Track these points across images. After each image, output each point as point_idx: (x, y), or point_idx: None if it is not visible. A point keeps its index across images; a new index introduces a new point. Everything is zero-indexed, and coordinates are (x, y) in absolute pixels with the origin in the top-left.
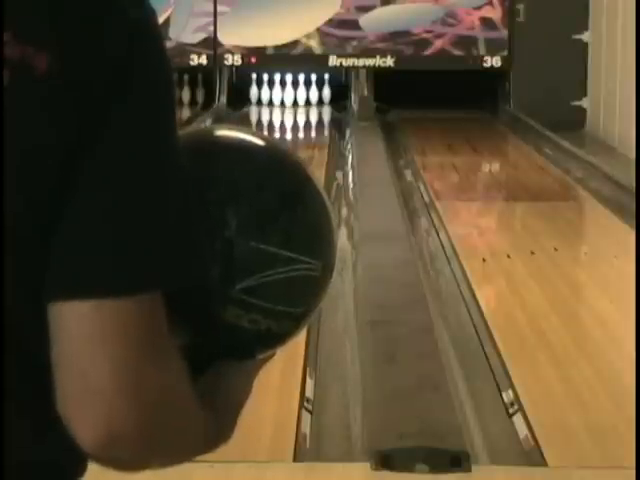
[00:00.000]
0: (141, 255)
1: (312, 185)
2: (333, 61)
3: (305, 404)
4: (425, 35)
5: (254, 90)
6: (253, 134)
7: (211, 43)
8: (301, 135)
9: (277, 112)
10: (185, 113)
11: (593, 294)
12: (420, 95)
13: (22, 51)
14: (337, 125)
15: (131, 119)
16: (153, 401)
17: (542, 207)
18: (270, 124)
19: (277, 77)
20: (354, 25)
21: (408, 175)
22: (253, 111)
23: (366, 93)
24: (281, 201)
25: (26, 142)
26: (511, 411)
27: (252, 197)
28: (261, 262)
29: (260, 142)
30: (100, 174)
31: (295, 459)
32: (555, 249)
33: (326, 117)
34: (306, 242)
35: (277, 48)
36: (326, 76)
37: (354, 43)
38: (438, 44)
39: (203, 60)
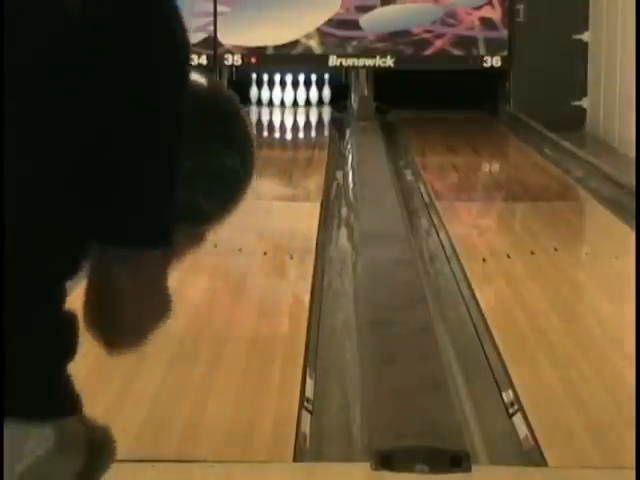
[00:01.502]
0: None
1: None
2: (333, 61)
3: (305, 404)
4: (425, 35)
5: (254, 90)
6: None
7: (211, 43)
8: (301, 135)
9: (277, 112)
10: None
11: (593, 294)
12: (420, 95)
13: None
14: (337, 125)
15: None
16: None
17: (542, 207)
18: (270, 124)
19: (277, 77)
20: (354, 25)
21: (408, 175)
22: (253, 111)
23: (366, 93)
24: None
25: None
26: (511, 411)
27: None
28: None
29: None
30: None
31: (295, 459)
32: (555, 249)
33: (326, 117)
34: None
35: (277, 48)
36: (326, 76)
37: (354, 43)
38: (438, 44)
39: (203, 60)
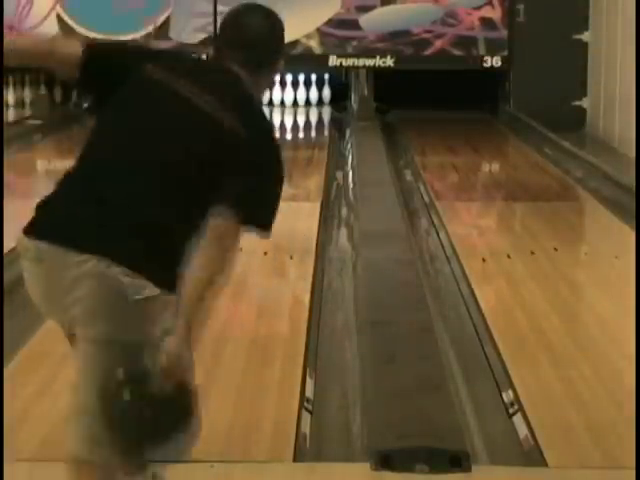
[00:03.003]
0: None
1: None
2: (333, 61)
3: (305, 404)
4: (425, 35)
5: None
6: None
7: (211, 43)
8: (301, 135)
9: (277, 112)
10: None
11: (593, 294)
12: (420, 95)
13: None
14: (337, 125)
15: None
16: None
17: (542, 207)
18: None
19: (277, 77)
20: (354, 25)
21: (408, 175)
22: None
23: (366, 93)
24: None
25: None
26: (511, 411)
27: None
28: None
29: None
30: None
31: (295, 459)
32: (555, 249)
33: (326, 117)
34: None
35: None
36: (326, 76)
37: (354, 43)
38: (438, 44)
39: None
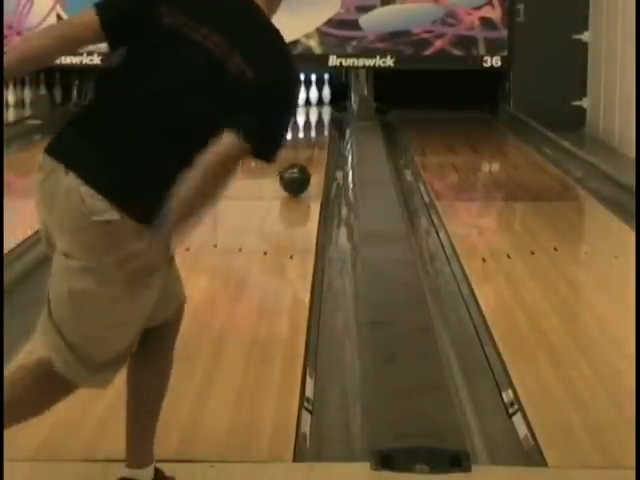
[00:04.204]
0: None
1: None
2: (333, 61)
3: (305, 404)
4: (425, 35)
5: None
6: None
7: None
8: (301, 135)
9: None
10: None
11: (593, 294)
12: (420, 95)
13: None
14: (337, 125)
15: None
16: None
17: (542, 207)
18: None
19: None
20: (354, 25)
21: (408, 175)
22: None
23: (366, 93)
24: None
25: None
26: (511, 411)
27: None
28: None
29: None
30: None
31: (295, 459)
32: (555, 249)
33: (326, 117)
34: None
35: None
36: (326, 76)
37: (354, 43)
38: (438, 44)
39: None
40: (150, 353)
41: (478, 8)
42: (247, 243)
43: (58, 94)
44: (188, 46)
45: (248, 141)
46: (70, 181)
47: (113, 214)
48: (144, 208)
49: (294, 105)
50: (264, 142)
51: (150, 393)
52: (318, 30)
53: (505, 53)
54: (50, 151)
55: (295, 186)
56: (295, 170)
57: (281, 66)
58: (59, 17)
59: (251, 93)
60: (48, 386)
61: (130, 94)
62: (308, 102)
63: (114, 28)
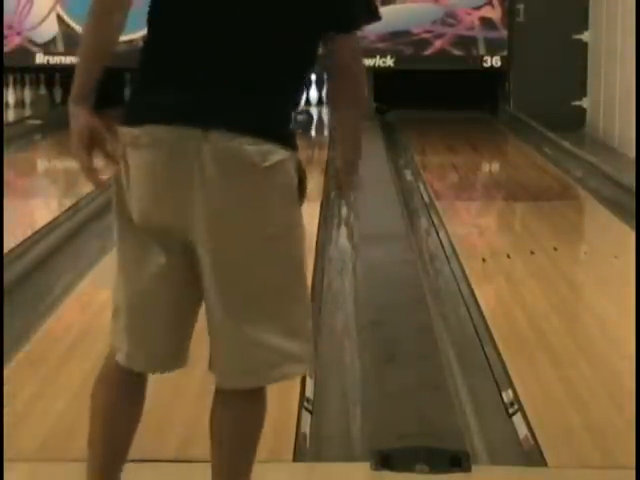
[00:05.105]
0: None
1: None
2: None
3: (305, 404)
4: (425, 35)
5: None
6: None
7: None
8: (301, 135)
9: None
10: None
11: (593, 294)
12: (420, 95)
13: None
14: None
15: None
16: None
17: (542, 207)
18: None
19: None
20: None
21: (408, 175)
22: None
23: (366, 93)
24: None
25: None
26: (511, 411)
27: None
28: None
29: None
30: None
31: (295, 459)
32: (555, 249)
33: (326, 117)
34: None
35: None
36: (326, 76)
37: None
38: (438, 44)
39: None
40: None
41: (478, 8)
42: None
43: (58, 94)
44: None
45: (359, 28)
46: (217, 140)
47: (281, 152)
48: (293, 134)
49: None
50: (365, 15)
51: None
52: None
53: (505, 53)
54: (154, 119)
55: None
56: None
57: None
58: (59, 17)
59: None
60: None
61: (207, 27)
62: (308, 102)
63: None
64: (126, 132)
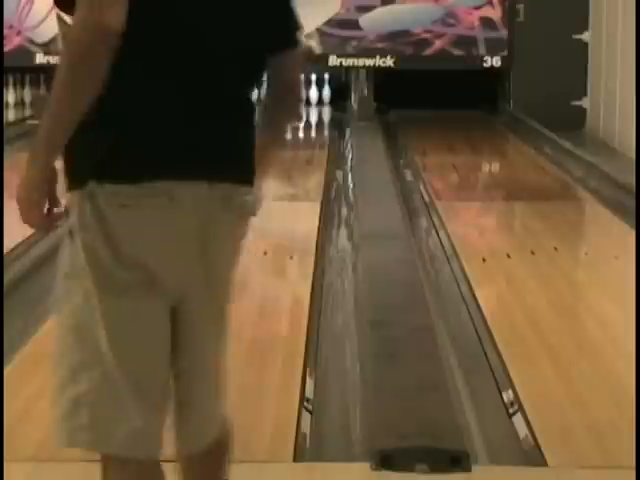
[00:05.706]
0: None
1: None
2: (333, 61)
3: (305, 404)
4: (425, 35)
5: (254, 90)
6: None
7: None
8: (301, 135)
9: None
10: None
11: (593, 294)
12: (420, 95)
13: None
14: (337, 125)
15: None
16: None
17: (542, 207)
18: None
19: None
20: (354, 25)
21: (408, 175)
22: None
23: (366, 93)
24: None
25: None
26: (511, 411)
27: None
28: None
29: None
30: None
31: (295, 459)
32: (555, 249)
33: (326, 117)
34: None
35: None
36: (326, 76)
37: (354, 43)
38: (438, 44)
39: None
40: None
41: (478, 8)
42: (247, 243)
43: None
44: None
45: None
46: (226, 193)
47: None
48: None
49: None
50: (299, 33)
51: None
52: (318, 30)
53: (505, 53)
54: (167, 174)
55: None
56: None
57: None
58: (59, 17)
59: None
60: None
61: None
62: (308, 102)
63: None
64: (116, 190)
